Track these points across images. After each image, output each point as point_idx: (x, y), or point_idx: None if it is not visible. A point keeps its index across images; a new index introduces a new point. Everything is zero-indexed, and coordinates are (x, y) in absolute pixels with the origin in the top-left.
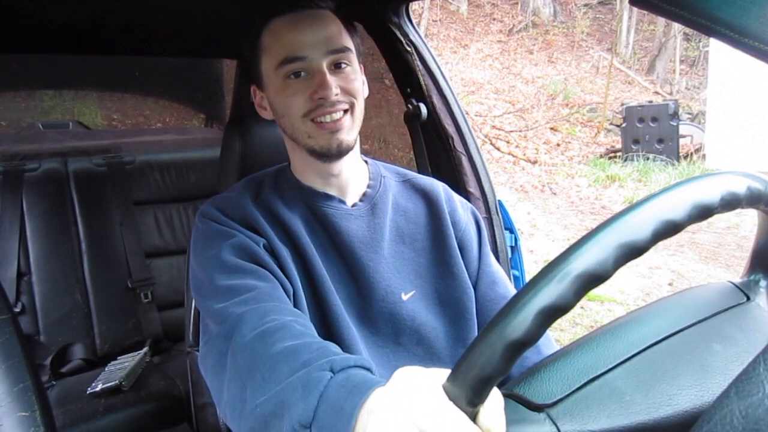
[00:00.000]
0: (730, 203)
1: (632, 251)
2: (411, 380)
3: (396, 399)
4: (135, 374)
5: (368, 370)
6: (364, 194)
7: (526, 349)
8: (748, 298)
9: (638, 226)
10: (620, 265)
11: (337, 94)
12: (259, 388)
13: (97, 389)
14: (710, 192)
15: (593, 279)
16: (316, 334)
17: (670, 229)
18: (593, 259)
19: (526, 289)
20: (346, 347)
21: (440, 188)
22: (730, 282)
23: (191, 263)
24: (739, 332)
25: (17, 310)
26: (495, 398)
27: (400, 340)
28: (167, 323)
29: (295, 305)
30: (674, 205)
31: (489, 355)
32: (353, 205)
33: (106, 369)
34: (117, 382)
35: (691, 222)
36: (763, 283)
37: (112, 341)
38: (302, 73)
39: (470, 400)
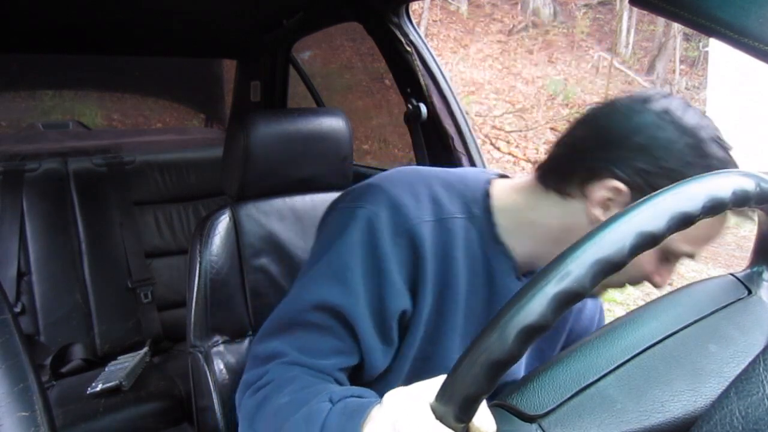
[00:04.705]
0: (713, 208)
1: (609, 267)
2: (399, 401)
3: (386, 421)
4: (135, 374)
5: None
6: (531, 271)
7: (508, 367)
8: (750, 292)
9: (615, 240)
10: (598, 281)
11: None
12: None
13: (97, 389)
14: (690, 200)
15: (571, 297)
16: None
17: (648, 242)
18: (570, 277)
19: (505, 310)
20: None
21: None
22: (732, 275)
23: (318, 242)
24: (737, 331)
25: (17, 310)
26: (484, 413)
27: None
28: (167, 323)
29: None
30: (652, 217)
31: (473, 376)
32: (518, 279)
33: (106, 369)
34: (117, 382)
35: (672, 232)
36: (766, 275)
37: (112, 341)
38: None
39: (457, 417)
